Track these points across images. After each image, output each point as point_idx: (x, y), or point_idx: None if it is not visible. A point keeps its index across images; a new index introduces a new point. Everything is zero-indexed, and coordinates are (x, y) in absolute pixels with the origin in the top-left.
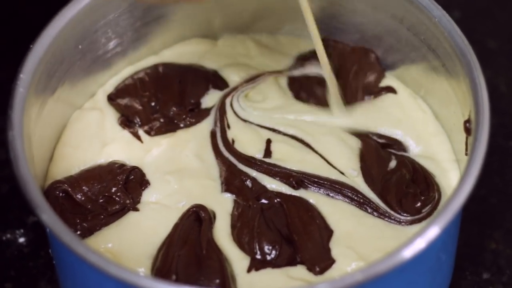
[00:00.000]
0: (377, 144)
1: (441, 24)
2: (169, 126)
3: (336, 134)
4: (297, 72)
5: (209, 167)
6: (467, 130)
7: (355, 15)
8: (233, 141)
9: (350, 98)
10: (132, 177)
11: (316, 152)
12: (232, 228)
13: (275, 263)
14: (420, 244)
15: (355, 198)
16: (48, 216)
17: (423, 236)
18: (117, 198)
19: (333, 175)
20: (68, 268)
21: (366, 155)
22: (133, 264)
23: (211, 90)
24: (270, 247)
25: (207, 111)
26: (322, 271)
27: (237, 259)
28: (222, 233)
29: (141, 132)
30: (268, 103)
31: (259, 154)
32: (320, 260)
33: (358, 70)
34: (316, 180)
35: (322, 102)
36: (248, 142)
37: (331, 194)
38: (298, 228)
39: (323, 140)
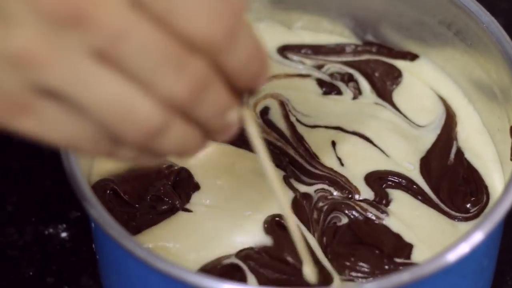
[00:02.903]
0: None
1: (489, 30)
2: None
3: (396, 129)
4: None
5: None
6: None
7: (401, 19)
8: None
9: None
10: (178, 178)
11: (376, 146)
12: None
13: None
14: (464, 248)
15: (411, 188)
16: (96, 211)
17: (467, 241)
18: (165, 198)
19: (391, 167)
20: (112, 263)
21: (433, 147)
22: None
23: None
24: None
25: None
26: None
27: None
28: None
29: None
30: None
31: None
32: (399, 250)
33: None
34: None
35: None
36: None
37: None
38: (367, 232)
39: (384, 135)
